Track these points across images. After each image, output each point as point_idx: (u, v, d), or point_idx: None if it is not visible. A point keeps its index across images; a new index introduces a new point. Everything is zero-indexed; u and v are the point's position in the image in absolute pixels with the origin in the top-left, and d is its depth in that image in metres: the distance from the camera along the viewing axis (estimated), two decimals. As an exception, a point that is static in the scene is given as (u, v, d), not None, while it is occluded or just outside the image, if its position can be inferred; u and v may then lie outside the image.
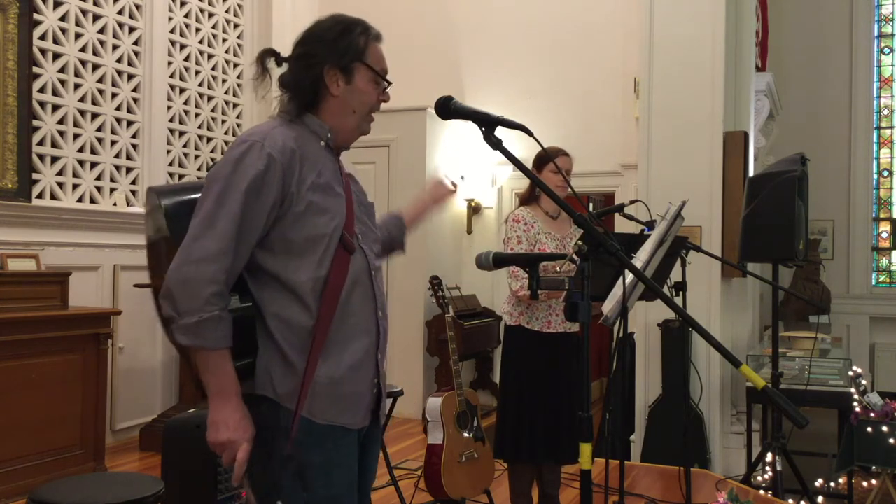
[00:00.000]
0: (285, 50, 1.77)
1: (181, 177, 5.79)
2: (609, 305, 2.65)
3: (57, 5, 4.85)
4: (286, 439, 1.59)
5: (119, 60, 5.27)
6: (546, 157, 3.27)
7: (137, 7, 5.40)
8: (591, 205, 3.59)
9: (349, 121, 1.73)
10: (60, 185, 4.91)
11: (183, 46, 5.80)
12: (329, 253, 1.62)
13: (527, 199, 3.40)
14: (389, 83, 1.77)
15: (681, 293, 3.50)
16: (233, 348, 1.57)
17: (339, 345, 1.65)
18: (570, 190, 2.47)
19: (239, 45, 6.36)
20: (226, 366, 1.56)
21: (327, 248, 1.62)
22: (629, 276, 2.51)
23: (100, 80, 5.14)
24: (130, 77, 5.36)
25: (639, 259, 2.74)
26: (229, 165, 1.59)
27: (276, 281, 1.62)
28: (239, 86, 6.38)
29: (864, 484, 4.51)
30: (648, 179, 4.97)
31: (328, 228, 1.63)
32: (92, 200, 5.11)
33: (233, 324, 1.56)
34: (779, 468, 3.75)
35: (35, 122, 4.70)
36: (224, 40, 6.21)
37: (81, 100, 5.02)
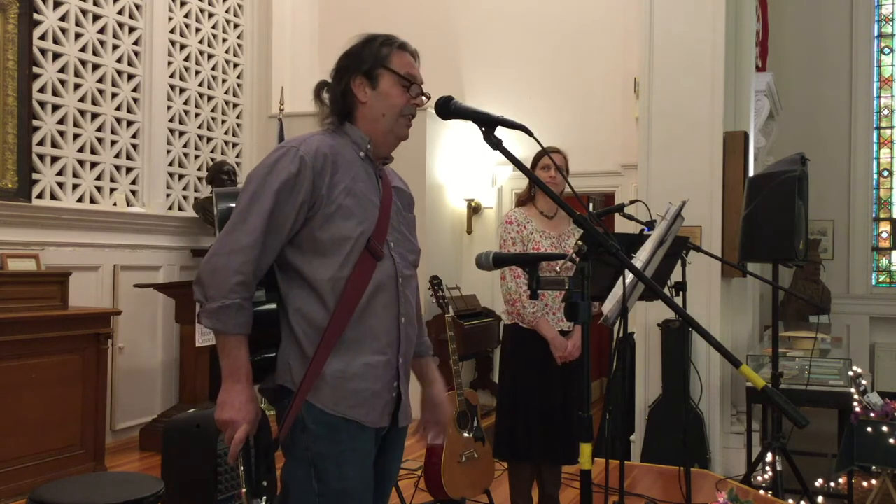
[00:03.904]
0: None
1: (181, 177, 5.79)
2: (609, 305, 2.65)
3: (57, 5, 4.85)
4: (303, 431, 1.69)
5: (119, 60, 5.27)
6: (537, 154, 3.28)
7: (137, 7, 5.40)
8: (591, 205, 3.60)
9: (380, 125, 1.82)
10: (60, 185, 4.91)
11: (183, 46, 5.80)
12: (353, 256, 1.71)
13: (523, 200, 3.40)
14: (419, 83, 1.85)
15: (681, 293, 3.51)
16: (261, 340, 1.70)
17: (355, 343, 1.73)
18: (566, 186, 2.47)
19: (239, 45, 6.35)
20: (239, 351, 1.67)
21: (351, 251, 1.72)
22: (629, 276, 2.52)
23: (100, 80, 5.14)
24: (130, 77, 5.36)
25: (639, 259, 2.74)
26: (265, 168, 1.73)
27: (300, 277, 1.73)
28: (239, 86, 6.38)
29: (864, 484, 4.50)
30: (648, 179, 4.97)
31: (354, 232, 1.72)
32: (92, 200, 5.11)
33: (261, 316, 1.70)
34: (779, 468, 3.75)
35: (35, 122, 4.70)
36: (224, 40, 6.21)
37: (81, 100, 5.02)
